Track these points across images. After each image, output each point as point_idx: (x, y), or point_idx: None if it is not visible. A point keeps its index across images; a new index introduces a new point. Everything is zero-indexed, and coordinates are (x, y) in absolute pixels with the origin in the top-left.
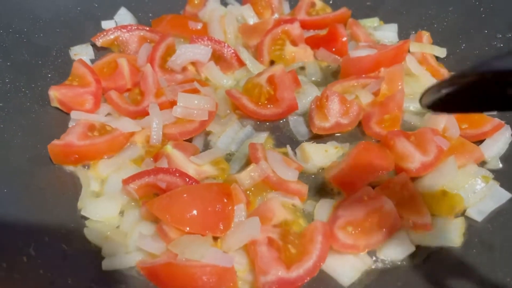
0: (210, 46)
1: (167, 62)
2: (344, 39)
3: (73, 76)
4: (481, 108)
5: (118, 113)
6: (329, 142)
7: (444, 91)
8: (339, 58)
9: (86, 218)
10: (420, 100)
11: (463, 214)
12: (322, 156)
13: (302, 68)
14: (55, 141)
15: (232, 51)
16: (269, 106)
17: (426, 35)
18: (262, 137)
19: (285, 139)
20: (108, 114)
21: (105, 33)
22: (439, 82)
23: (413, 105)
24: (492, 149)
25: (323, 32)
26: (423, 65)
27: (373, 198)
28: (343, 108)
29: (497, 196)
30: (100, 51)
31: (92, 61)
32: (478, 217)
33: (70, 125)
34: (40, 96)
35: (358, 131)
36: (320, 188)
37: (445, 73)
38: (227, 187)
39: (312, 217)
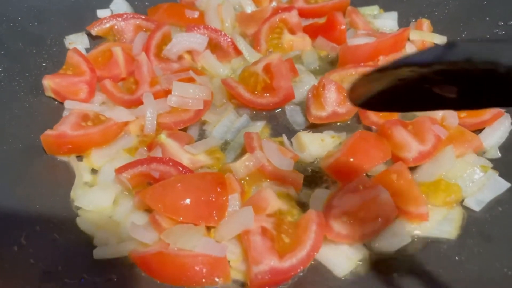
0: (206, 35)
1: (162, 51)
2: (343, 27)
3: (67, 65)
4: (416, 106)
5: (113, 102)
6: (325, 132)
7: (372, 88)
8: (337, 46)
9: (78, 208)
10: (348, 97)
11: (461, 204)
12: (318, 146)
13: (300, 56)
14: (48, 132)
15: (229, 39)
16: (265, 95)
17: (426, 23)
18: (259, 127)
19: (281, 129)
20: (103, 103)
21: (100, 22)
22: (364, 75)
23: None
24: (491, 138)
25: (321, 20)
26: None
27: (369, 188)
28: (340, 97)
29: (495, 185)
30: (95, 40)
31: (87, 50)
32: (476, 207)
33: (64, 115)
34: (34, 85)
35: (355, 121)
36: (316, 177)
37: None
38: (221, 177)
39: (307, 207)
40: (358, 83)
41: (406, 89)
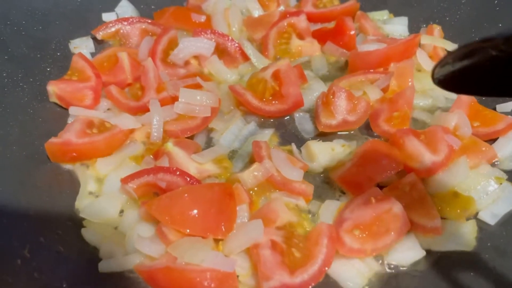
0: (213, 40)
1: (169, 56)
2: (352, 32)
3: (72, 71)
4: (503, 90)
5: (118, 108)
6: (335, 140)
7: (460, 65)
8: (346, 52)
9: (84, 218)
10: (432, 73)
11: (475, 217)
12: (328, 155)
13: (309, 62)
14: (53, 139)
15: (236, 45)
16: (273, 102)
17: (437, 29)
18: (267, 134)
19: (290, 137)
20: (108, 109)
21: (105, 26)
22: (455, 51)
23: (423, 102)
24: (505, 148)
25: (330, 25)
26: (434, 60)
27: (381, 200)
28: (350, 105)
29: (511, 198)
30: (100, 44)
31: (93, 54)
32: (491, 221)
33: (68, 121)
34: (38, 91)
35: (365, 129)
36: (326, 188)
37: None
38: (229, 187)
39: (317, 218)
40: (446, 59)
41: (493, 71)
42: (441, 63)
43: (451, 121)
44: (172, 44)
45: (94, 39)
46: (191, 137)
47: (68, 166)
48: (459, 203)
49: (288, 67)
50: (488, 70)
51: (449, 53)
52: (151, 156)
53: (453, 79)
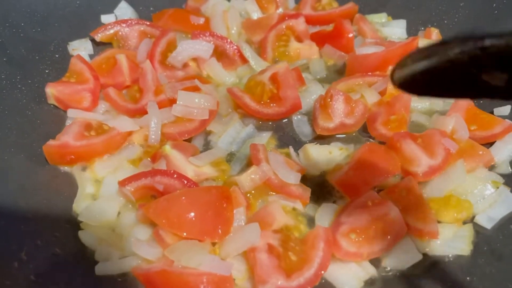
0: (212, 42)
1: (167, 58)
2: (351, 35)
3: (70, 73)
4: (458, 93)
5: (116, 111)
6: (333, 143)
7: (419, 66)
8: (345, 55)
9: (81, 220)
10: (391, 75)
11: (471, 221)
12: (325, 158)
13: (307, 65)
14: (51, 142)
15: (235, 47)
16: (271, 105)
17: (435, 32)
18: (265, 137)
19: (287, 139)
20: (106, 111)
21: (104, 28)
22: (413, 53)
23: (421, 105)
24: (502, 152)
25: (329, 28)
26: None
27: (378, 204)
28: (348, 108)
29: (507, 202)
30: (99, 46)
31: (91, 56)
32: (488, 224)
33: (67, 123)
34: (36, 92)
35: (363, 132)
36: (323, 191)
37: None
38: (226, 191)
39: (313, 221)
40: (405, 61)
41: (452, 72)
42: (399, 66)
43: (448, 125)
44: (171, 47)
45: (93, 41)
46: (188, 140)
47: (66, 169)
48: (455, 207)
49: (286, 70)
50: (446, 72)
51: (407, 55)
52: (149, 158)
53: (412, 81)
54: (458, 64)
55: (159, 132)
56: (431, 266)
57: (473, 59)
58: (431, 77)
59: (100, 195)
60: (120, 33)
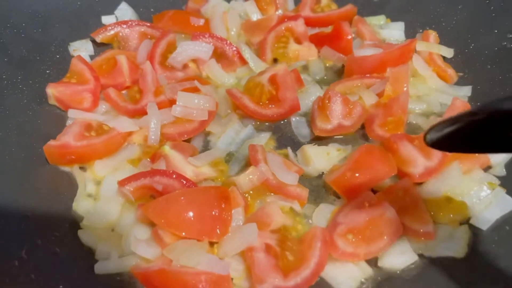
0: (212, 43)
1: (167, 59)
2: (349, 37)
3: (71, 73)
4: (486, 149)
5: (116, 111)
6: (331, 144)
7: (447, 130)
8: (343, 56)
9: (80, 220)
10: (424, 137)
11: (467, 222)
12: (323, 159)
13: (306, 66)
14: (51, 142)
15: (234, 49)
16: (270, 106)
17: (433, 34)
18: (263, 138)
19: (286, 140)
20: (106, 112)
21: (104, 29)
22: (444, 120)
23: (418, 107)
24: (498, 154)
25: (327, 29)
26: (429, 66)
27: (375, 205)
28: (346, 110)
29: (503, 203)
30: (100, 46)
31: (92, 57)
32: (483, 226)
33: (67, 124)
34: (37, 93)
35: (360, 134)
36: (320, 192)
37: (452, 73)
38: (225, 191)
39: (310, 221)
40: (436, 126)
41: (477, 133)
42: (432, 129)
43: None
44: (171, 48)
45: (93, 41)
46: (188, 140)
47: (66, 168)
48: (452, 208)
49: (285, 71)
50: (472, 133)
51: (438, 122)
52: (148, 159)
53: (442, 141)
54: (482, 126)
55: (159, 133)
56: (427, 266)
57: (495, 120)
58: (459, 138)
59: (100, 194)
60: (120, 34)
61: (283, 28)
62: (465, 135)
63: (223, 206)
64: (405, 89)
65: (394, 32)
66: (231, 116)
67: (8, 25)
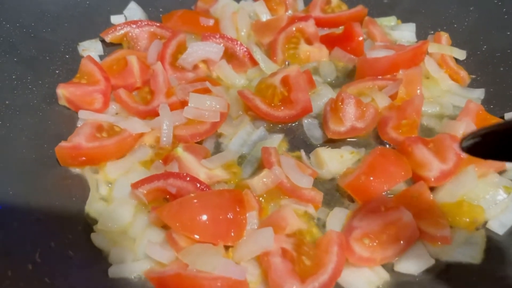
0: (222, 44)
1: (177, 60)
2: (361, 38)
3: (81, 74)
4: None
5: (127, 112)
6: (344, 147)
7: (481, 136)
8: (354, 58)
9: (94, 222)
10: (460, 144)
11: (483, 226)
12: (337, 162)
13: (317, 68)
14: (63, 143)
15: (245, 49)
16: (282, 107)
17: (445, 36)
18: (276, 140)
19: (298, 143)
20: (116, 113)
21: (114, 29)
22: (479, 128)
23: (431, 109)
24: None
25: (338, 30)
26: (442, 67)
27: (391, 209)
28: (359, 112)
29: None
30: (109, 46)
31: (101, 57)
32: (500, 230)
33: (78, 124)
34: (47, 93)
35: (374, 136)
36: (334, 195)
37: (464, 75)
38: (239, 194)
39: (325, 225)
40: (471, 134)
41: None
42: (467, 137)
43: (458, 129)
44: (181, 48)
45: (103, 41)
46: (199, 142)
47: (77, 170)
48: (467, 212)
49: (297, 73)
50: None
51: (473, 131)
52: (160, 161)
53: (476, 147)
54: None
55: (171, 135)
56: (443, 271)
57: None
58: (491, 145)
59: (113, 197)
60: (130, 34)
61: (293, 29)
62: (496, 143)
63: (237, 209)
64: (418, 91)
65: (405, 33)
66: (242, 117)
67: (17, 25)
